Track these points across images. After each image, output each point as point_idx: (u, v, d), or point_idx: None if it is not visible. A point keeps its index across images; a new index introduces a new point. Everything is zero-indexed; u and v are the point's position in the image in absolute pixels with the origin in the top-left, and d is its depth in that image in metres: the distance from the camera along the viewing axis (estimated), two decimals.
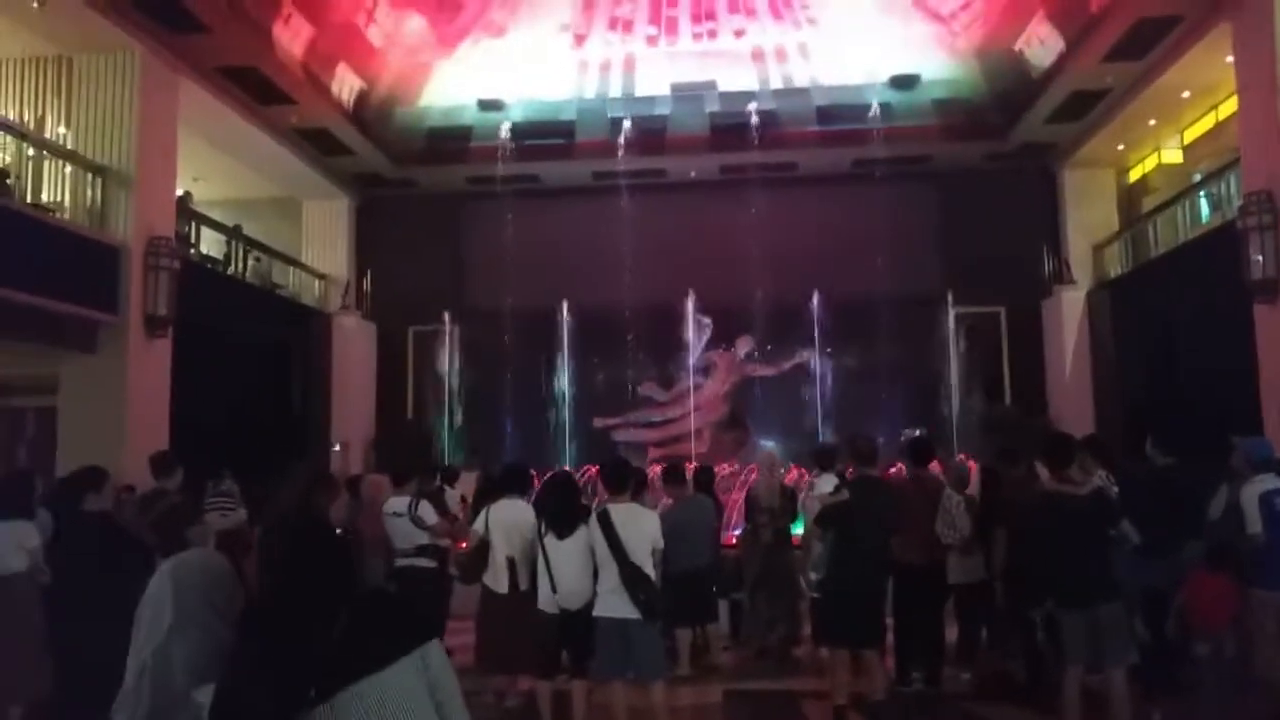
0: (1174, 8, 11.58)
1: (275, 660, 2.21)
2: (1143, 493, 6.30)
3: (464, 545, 6.98)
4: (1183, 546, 6.08)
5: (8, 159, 10.68)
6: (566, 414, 15.69)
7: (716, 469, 10.54)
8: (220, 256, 14.89)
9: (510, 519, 6.39)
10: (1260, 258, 10.51)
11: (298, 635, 2.23)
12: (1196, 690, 5.97)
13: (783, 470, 11.07)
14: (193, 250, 13.77)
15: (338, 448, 16.00)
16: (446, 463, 13.11)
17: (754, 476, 9.68)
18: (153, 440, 9.75)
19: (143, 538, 5.47)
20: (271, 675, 2.18)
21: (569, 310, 15.74)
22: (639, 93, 16.54)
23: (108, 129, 11.33)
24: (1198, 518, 6.32)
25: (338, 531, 7.02)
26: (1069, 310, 16.24)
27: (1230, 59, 11.62)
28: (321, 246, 17.47)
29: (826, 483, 7.48)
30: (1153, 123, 14.88)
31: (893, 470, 9.33)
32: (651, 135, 16.12)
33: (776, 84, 16.49)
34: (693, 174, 17.00)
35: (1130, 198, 16.81)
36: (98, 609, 4.17)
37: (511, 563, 6.34)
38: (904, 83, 15.58)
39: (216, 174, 15.56)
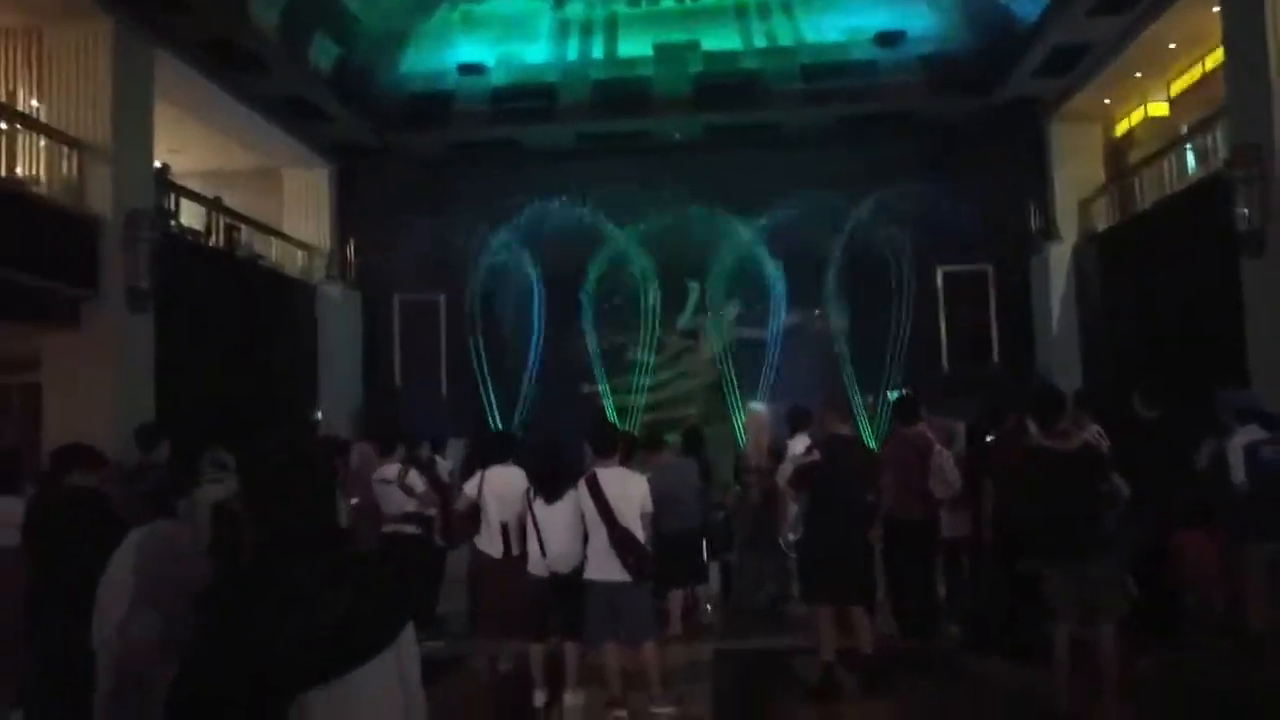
0: None
1: (259, 626, 1.88)
2: (1133, 445, 6.31)
3: (451, 514, 6.99)
4: (1172, 499, 6.11)
5: None
6: (554, 380, 15.66)
7: None
8: (201, 229, 14.71)
9: (503, 485, 6.40)
10: (1246, 210, 10.43)
11: (292, 591, 1.92)
12: (1185, 641, 6.02)
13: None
14: (173, 223, 13.60)
15: (319, 416, 15.93)
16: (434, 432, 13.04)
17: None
18: (138, 414, 9.67)
19: (127, 514, 5.41)
20: (253, 649, 1.86)
21: (555, 276, 15.61)
22: (621, 54, 16.34)
23: (82, 101, 11.09)
24: (1186, 469, 6.35)
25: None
26: (1056, 266, 16.19)
27: (1216, 8, 11.50)
28: (303, 216, 17.26)
29: (799, 444, 7.48)
30: (1139, 75, 14.76)
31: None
32: (635, 96, 15.93)
33: (761, 43, 16.31)
34: (677, 135, 16.83)
35: (1117, 152, 16.71)
36: (76, 587, 4.07)
37: (505, 528, 6.36)
38: (890, 39, 15.42)
39: (195, 145, 15.31)
